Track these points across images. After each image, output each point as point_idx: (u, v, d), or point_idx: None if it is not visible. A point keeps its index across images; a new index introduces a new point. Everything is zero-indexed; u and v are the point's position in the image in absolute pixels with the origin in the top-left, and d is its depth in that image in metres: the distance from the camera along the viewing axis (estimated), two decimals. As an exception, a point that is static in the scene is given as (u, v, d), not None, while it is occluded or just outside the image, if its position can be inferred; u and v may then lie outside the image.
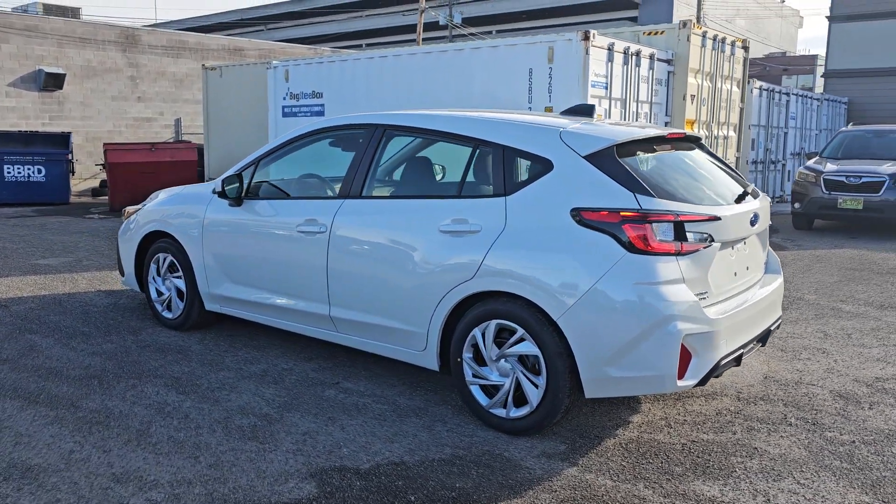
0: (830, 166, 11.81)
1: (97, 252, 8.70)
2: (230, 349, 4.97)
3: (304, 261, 4.41)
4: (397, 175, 4.50)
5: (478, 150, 3.86)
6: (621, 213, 3.30)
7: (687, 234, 3.33)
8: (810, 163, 12.18)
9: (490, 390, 3.70)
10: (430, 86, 10.63)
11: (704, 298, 3.39)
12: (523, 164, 3.68)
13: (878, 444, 3.60)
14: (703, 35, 11.12)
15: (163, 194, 5.61)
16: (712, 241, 3.43)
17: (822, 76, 21.96)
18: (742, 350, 3.60)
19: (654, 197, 3.34)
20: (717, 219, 3.45)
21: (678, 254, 3.30)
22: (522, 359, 3.57)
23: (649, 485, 3.16)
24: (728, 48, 12.03)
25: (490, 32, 46.93)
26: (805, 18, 63.53)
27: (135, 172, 13.41)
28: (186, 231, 5.12)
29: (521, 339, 3.53)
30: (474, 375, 3.73)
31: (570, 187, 3.48)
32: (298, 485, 3.14)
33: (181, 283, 5.26)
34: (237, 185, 4.74)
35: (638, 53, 10.14)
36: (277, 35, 51.21)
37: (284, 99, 12.68)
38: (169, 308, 5.42)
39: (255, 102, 13.84)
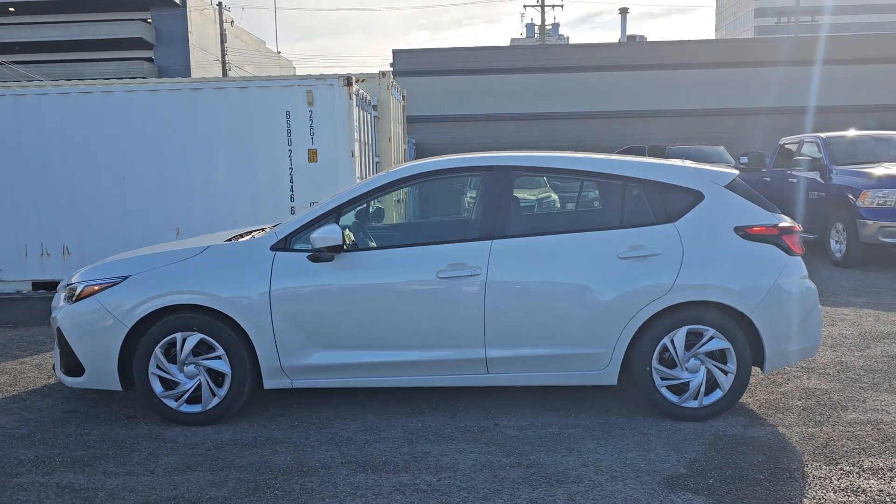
0: (470, 194, 14.34)
1: None
2: (322, 427, 4.36)
3: (451, 307, 4.28)
4: (530, 211, 4.66)
5: (629, 186, 4.45)
6: (778, 227, 4.37)
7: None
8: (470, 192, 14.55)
9: (678, 388, 4.34)
10: (162, 128, 9.64)
11: (806, 285, 4.67)
12: (675, 196, 4.43)
13: (870, 364, 5.37)
14: (391, 84, 12.50)
15: (134, 262, 4.48)
16: None
17: (390, 120, 25.34)
18: None
19: (778, 213, 4.49)
20: None
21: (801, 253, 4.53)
22: (711, 354, 4.32)
23: (834, 425, 4.28)
24: (399, 95, 13.69)
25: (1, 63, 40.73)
26: (297, 68, 70.91)
27: None
28: (239, 299, 4.27)
29: (711, 338, 4.29)
30: (662, 378, 4.32)
31: (724, 211, 4.39)
32: (683, 497, 3.40)
33: (221, 365, 4.33)
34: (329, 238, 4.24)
35: (365, 99, 10.96)
36: None
37: None
38: (194, 400, 4.37)
39: None
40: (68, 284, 4.61)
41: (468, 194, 9.93)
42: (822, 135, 11.86)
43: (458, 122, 24.01)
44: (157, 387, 4.36)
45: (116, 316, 4.32)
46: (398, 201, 10.36)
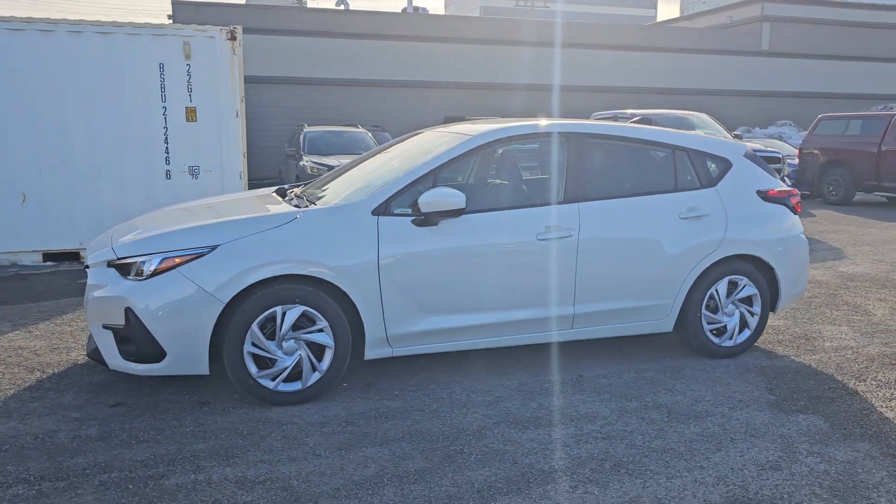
0: (310, 159, 14.07)
1: None
2: (428, 393, 4.32)
3: (548, 268, 4.46)
4: (606, 175, 4.85)
5: (678, 154, 4.94)
6: (787, 191, 5.18)
7: (787, 199, 5.45)
8: (309, 157, 14.12)
9: (718, 331, 4.99)
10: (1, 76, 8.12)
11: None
12: (712, 163, 5.03)
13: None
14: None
15: (217, 229, 4.00)
16: None
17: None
18: None
19: (778, 179, 5.32)
20: None
21: (792, 211, 5.40)
22: (742, 299, 5.02)
23: (826, 353, 5.24)
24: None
25: None
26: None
27: None
28: (348, 268, 4.04)
29: (745, 286, 4.99)
30: (708, 322, 4.95)
31: (746, 177, 5.09)
32: (802, 417, 4.03)
33: (323, 338, 4.06)
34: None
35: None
36: None
37: None
38: (294, 378, 4.05)
39: None
40: (121, 258, 3.95)
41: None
42: (639, 111, 13.50)
43: (251, 83, 22.72)
44: (252, 367, 3.97)
45: (210, 291, 3.83)
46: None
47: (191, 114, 8.90)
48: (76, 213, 8.49)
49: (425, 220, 4.20)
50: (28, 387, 4.32)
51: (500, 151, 4.75)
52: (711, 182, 4.97)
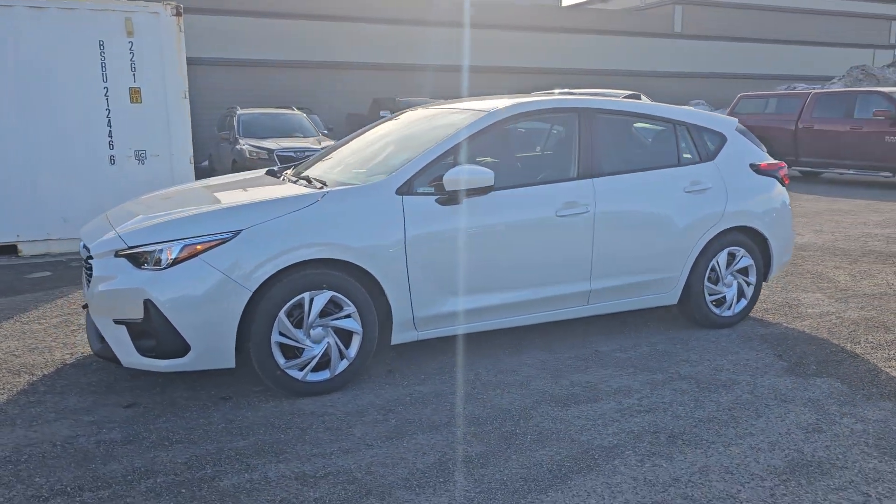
0: (247, 143, 13.59)
1: None
2: (453, 377, 4.22)
3: (567, 244, 4.44)
4: (617, 150, 4.80)
5: (680, 129, 5.00)
6: (776, 163, 5.33)
7: (773, 171, 5.61)
8: (246, 141, 13.58)
9: (717, 301, 5.11)
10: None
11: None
12: (709, 137, 5.11)
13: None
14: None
15: (235, 213, 3.75)
16: None
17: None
18: None
19: (765, 151, 5.47)
20: None
21: (778, 182, 5.57)
22: (739, 270, 5.15)
23: (814, 319, 5.46)
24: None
25: None
26: None
27: None
28: (375, 250, 3.88)
29: (742, 257, 5.12)
30: (710, 294, 5.05)
31: (740, 150, 5.21)
32: (820, 380, 4.18)
33: (351, 324, 3.90)
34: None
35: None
36: None
37: None
38: (322, 367, 3.87)
39: None
40: (133, 247, 3.65)
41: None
42: (577, 90, 13.67)
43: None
44: (280, 357, 3.77)
45: (235, 279, 3.60)
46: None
47: (135, 95, 8.38)
48: (12, 204, 7.87)
49: (450, 198, 4.08)
50: (20, 391, 3.96)
51: (512, 127, 4.66)
52: (710, 156, 5.06)
